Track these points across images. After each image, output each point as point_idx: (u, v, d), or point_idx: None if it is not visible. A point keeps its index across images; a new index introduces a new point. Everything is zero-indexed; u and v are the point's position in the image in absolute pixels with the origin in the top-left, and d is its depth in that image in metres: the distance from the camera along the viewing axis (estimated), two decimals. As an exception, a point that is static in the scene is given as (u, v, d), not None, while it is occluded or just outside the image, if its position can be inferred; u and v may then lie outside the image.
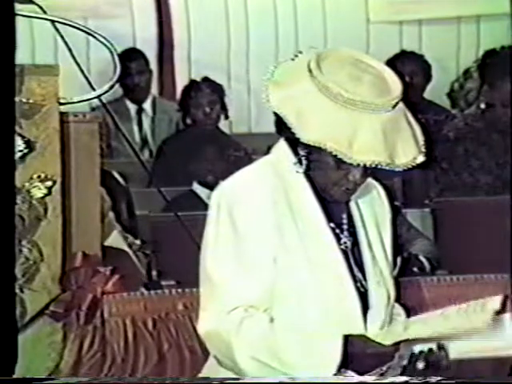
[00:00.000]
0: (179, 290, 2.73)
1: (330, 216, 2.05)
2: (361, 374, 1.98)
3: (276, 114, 2.04)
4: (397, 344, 1.98)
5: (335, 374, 1.95)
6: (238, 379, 2.00)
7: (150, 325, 2.59)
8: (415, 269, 3.46)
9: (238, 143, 4.59)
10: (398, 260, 2.22)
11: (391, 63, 5.02)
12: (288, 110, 1.97)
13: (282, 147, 2.06)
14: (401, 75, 5.30)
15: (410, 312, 2.22)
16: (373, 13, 5.68)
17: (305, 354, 1.96)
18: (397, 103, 1.99)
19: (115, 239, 3.24)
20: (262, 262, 1.99)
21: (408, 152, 1.98)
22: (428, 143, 2.02)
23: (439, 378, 2.10)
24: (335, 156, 1.97)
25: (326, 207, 2.05)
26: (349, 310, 2.02)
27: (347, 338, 1.96)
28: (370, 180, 2.12)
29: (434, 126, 4.64)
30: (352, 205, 2.10)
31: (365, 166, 1.99)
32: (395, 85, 2.00)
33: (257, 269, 1.99)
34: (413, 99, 5.14)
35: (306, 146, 1.99)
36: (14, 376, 2.30)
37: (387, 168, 1.96)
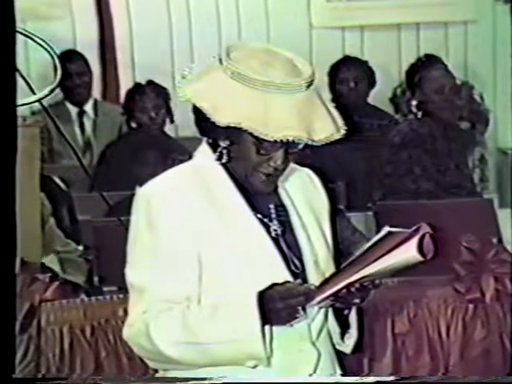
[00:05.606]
0: (120, 296, 2.70)
1: (255, 208, 2.06)
2: (283, 323, 1.97)
3: (196, 116, 2.06)
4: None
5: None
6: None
7: (88, 332, 2.56)
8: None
9: (184, 147, 4.56)
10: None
11: (335, 68, 5.06)
12: (202, 100, 1.99)
13: (203, 149, 2.09)
14: (345, 80, 5.32)
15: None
16: (315, 18, 5.71)
17: (224, 323, 1.96)
18: (310, 84, 2.00)
19: (50, 261, 3.20)
20: (181, 261, 1.99)
21: (325, 128, 1.99)
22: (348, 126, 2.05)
23: (439, 377, 2.11)
24: (255, 143, 2.00)
25: (250, 200, 2.06)
26: None
27: (261, 295, 1.96)
28: (302, 168, 2.15)
29: (378, 130, 4.67)
30: (281, 192, 2.12)
31: (286, 151, 2.02)
32: (306, 67, 2.02)
33: (175, 268, 1.99)
34: (357, 104, 5.17)
35: (227, 137, 2.02)
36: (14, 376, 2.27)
37: (307, 142, 1.98)
